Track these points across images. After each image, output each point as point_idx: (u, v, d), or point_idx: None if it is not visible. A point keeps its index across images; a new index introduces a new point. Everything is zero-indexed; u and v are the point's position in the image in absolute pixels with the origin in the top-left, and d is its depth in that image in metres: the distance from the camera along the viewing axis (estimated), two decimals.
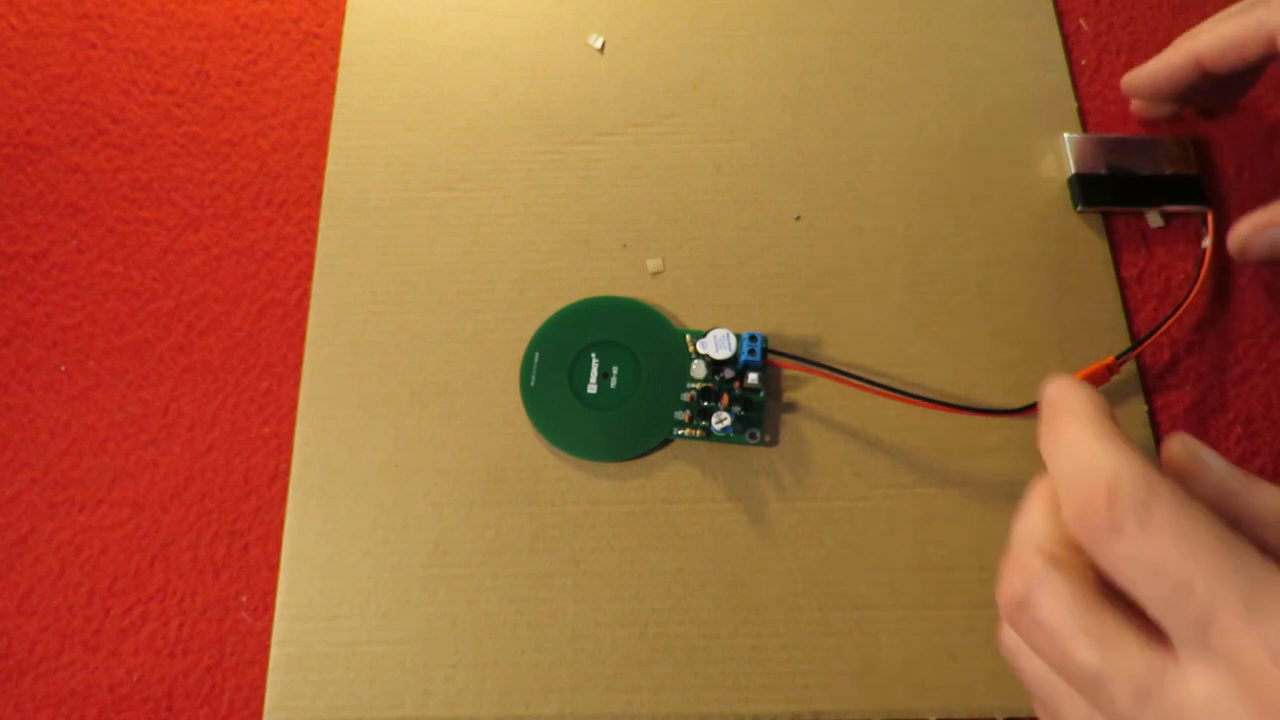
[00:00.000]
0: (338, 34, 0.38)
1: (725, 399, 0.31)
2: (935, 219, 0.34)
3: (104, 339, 0.34)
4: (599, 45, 0.37)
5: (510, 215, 0.35)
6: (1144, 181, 0.34)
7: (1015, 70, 0.37)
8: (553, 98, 0.37)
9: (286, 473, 0.31)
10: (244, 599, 0.30)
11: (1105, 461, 0.18)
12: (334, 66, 0.38)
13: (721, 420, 0.30)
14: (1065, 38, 0.37)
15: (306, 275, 0.34)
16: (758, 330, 0.32)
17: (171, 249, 0.35)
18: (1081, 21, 0.38)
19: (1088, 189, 0.34)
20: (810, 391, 0.31)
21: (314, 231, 0.35)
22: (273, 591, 0.30)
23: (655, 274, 0.34)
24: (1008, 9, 0.38)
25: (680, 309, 0.33)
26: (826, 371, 0.30)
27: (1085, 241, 0.34)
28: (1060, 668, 0.18)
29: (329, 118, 0.37)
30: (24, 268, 0.35)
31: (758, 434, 0.31)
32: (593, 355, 0.32)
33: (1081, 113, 0.36)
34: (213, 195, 0.36)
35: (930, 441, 0.31)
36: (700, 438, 0.31)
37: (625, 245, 0.34)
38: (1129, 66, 0.37)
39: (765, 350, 0.31)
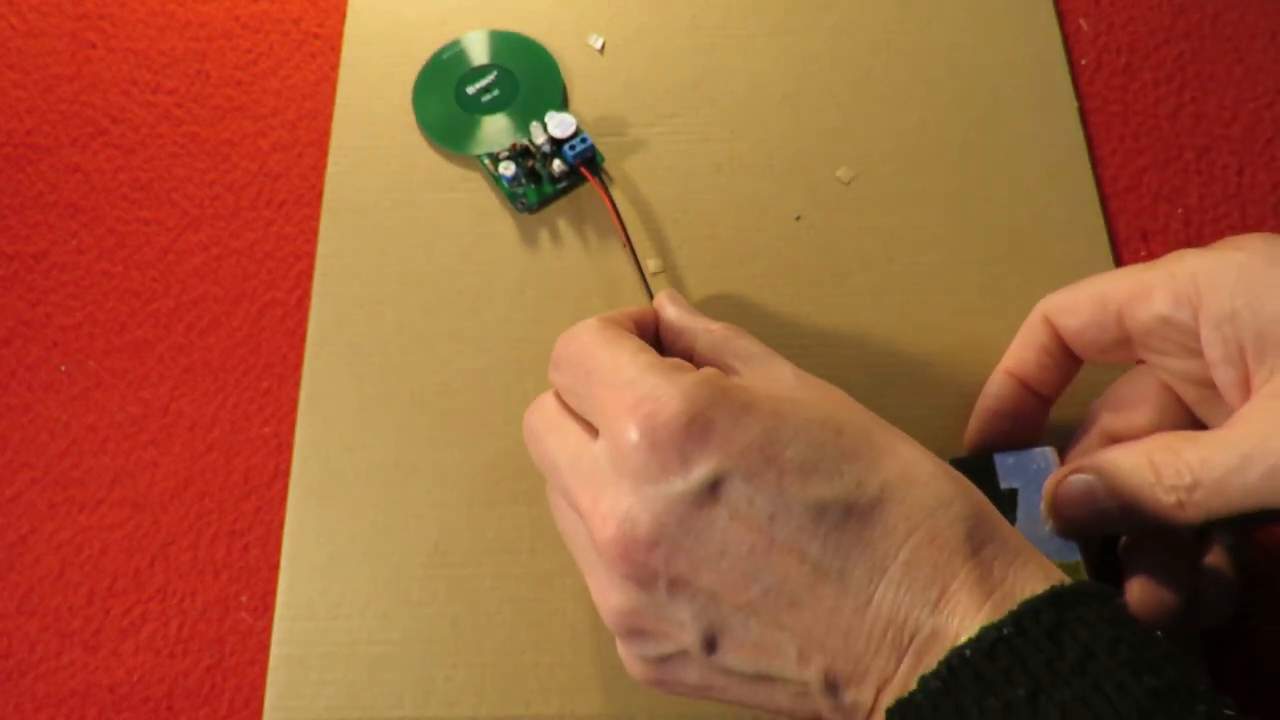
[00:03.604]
0: (338, 34, 0.38)
1: (531, 164, 0.33)
2: (935, 219, 0.34)
3: (104, 339, 0.34)
4: (599, 45, 0.37)
5: (510, 215, 0.35)
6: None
7: (1015, 70, 0.36)
8: None
9: (286, 473, 0.31)
10: (244, 599, 0.30)
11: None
12: (334, 66, 0.38)
13: (507, 168, 0.32)
14: (1065, 38, 0.37)
15: (306, 275, 0.34)
16: None
17: (171, 249, 0.35)
18: (1081, 21, 0.38)
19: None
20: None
21: (314, 231, 0.35)
22: (273, 591, 0.30)
23: (655, 274, 0.34)
24: (1008, 9, 0.38)
25: None
26: (620, 226, 0.32)
27: (1085, 241, 0.34)
28: (540, 456, 0.25)
29: (329, 118, 0.37)
30: (24, 268, 0.35)
31: (525, 203, 0.34)
32: (495, 72, 0.36)
33: (1082, 112, 0.36)
34: (213, 195, 0.36)
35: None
36: (490, 172, 0.34)
37: (625, 245, 0.34)
38: (1129, 67, 0.37)
39: (585, 159, 0.33)
